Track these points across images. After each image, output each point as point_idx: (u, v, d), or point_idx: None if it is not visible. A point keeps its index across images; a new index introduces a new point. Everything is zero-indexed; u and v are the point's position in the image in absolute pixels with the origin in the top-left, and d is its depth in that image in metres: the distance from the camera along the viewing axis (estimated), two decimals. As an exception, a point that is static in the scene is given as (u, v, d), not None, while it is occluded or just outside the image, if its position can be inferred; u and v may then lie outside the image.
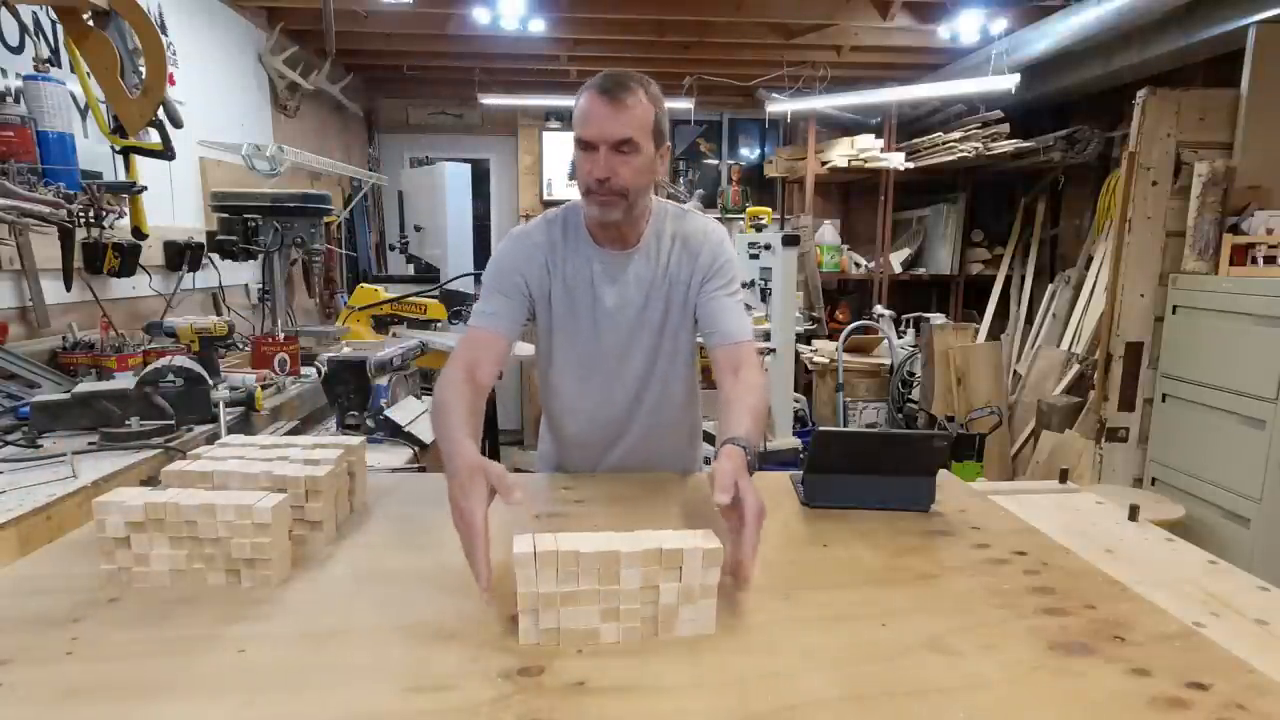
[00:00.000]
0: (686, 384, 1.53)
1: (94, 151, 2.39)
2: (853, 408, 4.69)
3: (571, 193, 5.75)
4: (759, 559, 0.91)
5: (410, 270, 5.41)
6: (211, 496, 0.94)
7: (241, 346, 2.78)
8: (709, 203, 5.96)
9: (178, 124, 2.17)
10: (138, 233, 2.42)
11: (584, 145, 1.31)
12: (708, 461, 1.95)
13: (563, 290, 1.42)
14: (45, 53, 2.20)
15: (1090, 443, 3.33)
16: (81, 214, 2.11)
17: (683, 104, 5.11)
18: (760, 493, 0.95)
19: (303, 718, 0.69)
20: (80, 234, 2.20)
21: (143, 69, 1.94)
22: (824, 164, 5.20)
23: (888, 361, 4.72)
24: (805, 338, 4.94)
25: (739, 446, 1.06)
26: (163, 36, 2.82)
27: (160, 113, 2.05)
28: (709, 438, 1.57)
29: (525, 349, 2.33)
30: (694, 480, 1.44)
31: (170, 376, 1.81)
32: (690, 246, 1.42)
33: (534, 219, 1.50)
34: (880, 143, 5.02)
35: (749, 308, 3.75)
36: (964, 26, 3.66)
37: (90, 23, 1.87)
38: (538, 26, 3.85)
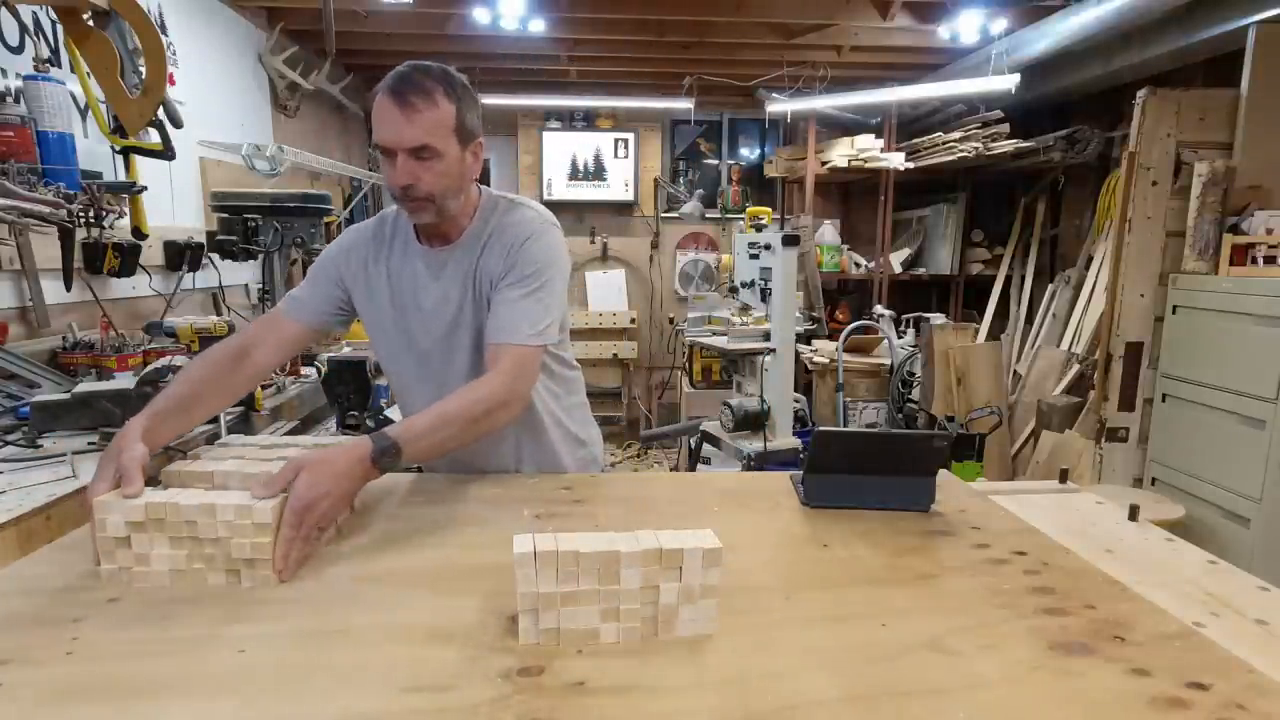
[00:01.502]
0: None
1: (94, 151, 2.39)
2: (853, 408, 4.68)
3: (573, 192, 5.79)
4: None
5: (410, 270, 5.40)
6: (212, 496, 0.94)
7: (241, 346, 2.78)
8: (709, 203, 5.96)
9: (178, 124, 2.17)
10: (138, 233, 2.42)
11: (382, 151, 1.24)
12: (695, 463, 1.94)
13: (389, 289, 1.39)
14: (45, 53, 2.19)
15: (1090, 443, 3.33)
16: (81, 214, 2.11)
17: (683, 104, 5.10)
18: (318, 489, 0.99)
19: (303, 718, 0.69)
20: (80, 234, 2.20)
21: (143, 69, 1.94)
22: (824, 164, 5.20)
23: (888, 361, 4.72)
24: (805, 338, 4.93)
25: (370, 436, 1.10)
26: (163, 36, 2.82)
27: (160, 113, 2.05)
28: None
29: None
30: (694, 479, 1.44)
31: (170, 376, 1.81)
32: (503, 239, 1.34)
33: (373, 216, 1.48)
34: (880, 143, 5.02)
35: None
36: (964, 26, 3.65)
37: (90, 23, 1.87)
38: (538, 26, 3.85)
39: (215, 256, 2.88)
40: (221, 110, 3.43)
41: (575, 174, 5.81)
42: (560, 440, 1.51)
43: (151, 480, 1.02)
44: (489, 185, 1.44)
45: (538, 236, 1.35)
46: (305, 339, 1.44)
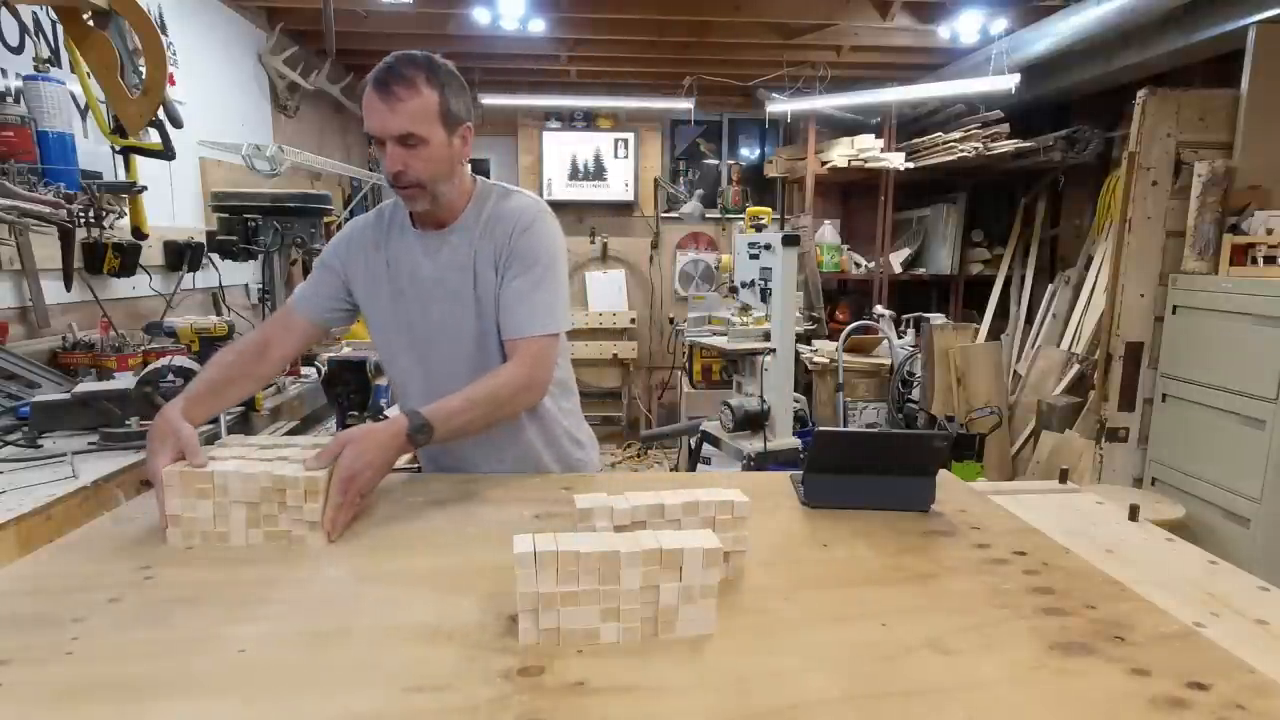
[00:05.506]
0: None
1: (94, 151, 2.39)
2: (853, 408, 4.68)
3: (573, 192, 5.79)
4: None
5: (410, 270, 5.40)
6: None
7: (241, 346, 2.78)
8: (709, 203, 5.96)
9: (178, 124, 2.17)
10: (138, 233, 2.42)
11: (374, 140, 1.30)
12: (690, 459, 1.93)
13: (387, 274, 1.43)
14: (45, 53, 2.19)
15: (1090, 443, 3.33)
16: (81, 214, 2.12)
17: (683, 104, 5.10)
18: (362, 460, 1.10)
19: (303, 718, 0.69)
20: (80, 234, 2.20)
21: (143, 69, 1.94)
22: (824, 164, 5.20)
23: (888, 361, 4.71)
24: (805, 338, 4.93)
25: (405, 414, 1.19)
26: (163, 36, 2.82)
27: (160, 113, 2.05)
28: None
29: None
30: (694, 480, 1.44)
31: (170, 376, 1.81)
32: (500, 227, 1.38)
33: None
34: (880, 143, 5.02)
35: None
36: (964, 26, 3.66)
37: (90, 23, 1.87)
38: (538, 26, 3.85)
39: (215, 256, 2.87)
40: (221, 110, 3.43)
41: (575, 174, 5.81)
42: (564, 439, 1.55)
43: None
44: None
45: (535, 225, 1.38)
46: (314, 333, 1.50)
